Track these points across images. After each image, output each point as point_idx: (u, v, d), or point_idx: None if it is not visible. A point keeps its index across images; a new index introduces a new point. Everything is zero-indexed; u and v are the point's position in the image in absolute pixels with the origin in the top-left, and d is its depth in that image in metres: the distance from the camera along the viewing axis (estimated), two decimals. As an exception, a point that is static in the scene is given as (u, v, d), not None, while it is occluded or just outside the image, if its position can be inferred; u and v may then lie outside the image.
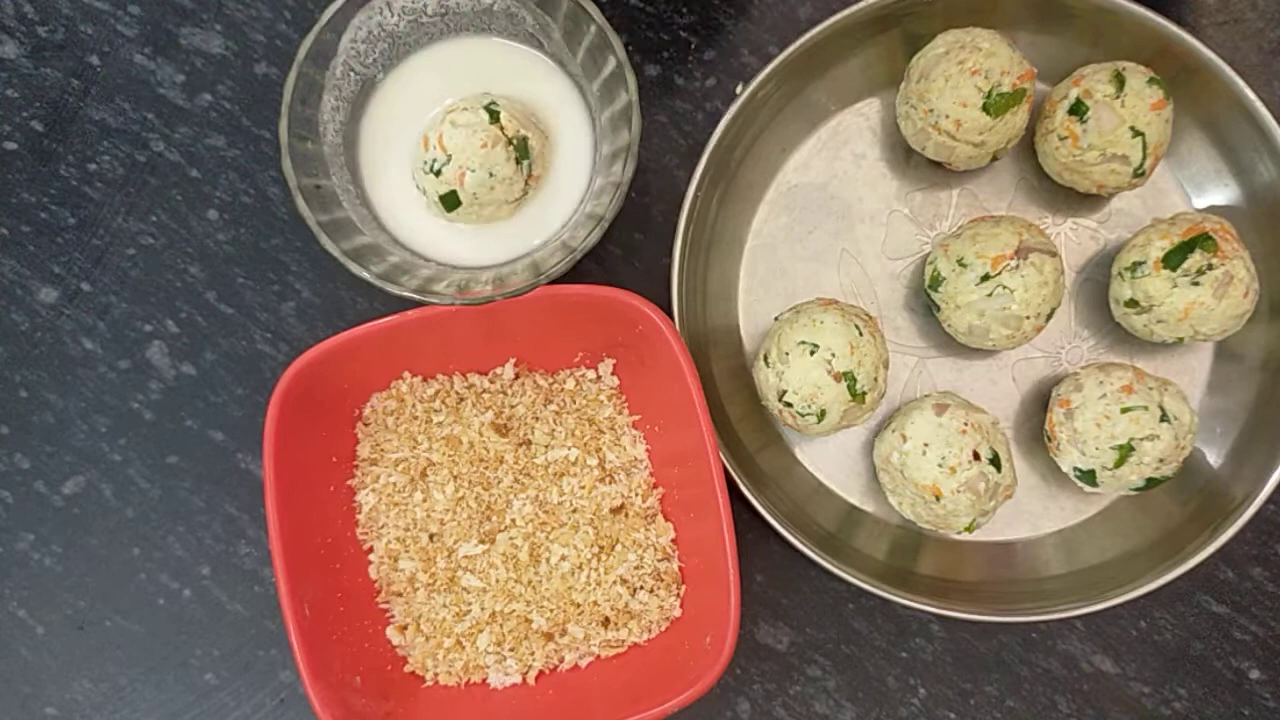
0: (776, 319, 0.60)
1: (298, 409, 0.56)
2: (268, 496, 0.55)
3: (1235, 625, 0.63)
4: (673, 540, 0.59)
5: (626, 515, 0.59)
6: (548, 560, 0.59)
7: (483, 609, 0.59)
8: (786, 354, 0.57)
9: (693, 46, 0.64)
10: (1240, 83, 0.59)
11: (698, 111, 0.64)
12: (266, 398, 0.55)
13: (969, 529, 0.57)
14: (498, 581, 0.59)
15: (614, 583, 0.58)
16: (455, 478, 0.59)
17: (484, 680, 0.59)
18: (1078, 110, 0.57)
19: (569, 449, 0.59)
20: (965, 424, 0.56)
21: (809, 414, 0.57)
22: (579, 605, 0.58)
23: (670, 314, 0.60)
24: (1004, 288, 0.56)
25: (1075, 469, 0.58)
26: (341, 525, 0.60)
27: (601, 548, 0.59)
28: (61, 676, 0.63)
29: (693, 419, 0.55)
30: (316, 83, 0.54)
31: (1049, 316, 0.58)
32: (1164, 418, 0.56)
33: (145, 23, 0.64)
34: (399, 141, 0.57)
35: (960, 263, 0.57)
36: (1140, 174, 0.58)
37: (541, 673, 0.59)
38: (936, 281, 0.59)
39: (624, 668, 0.58)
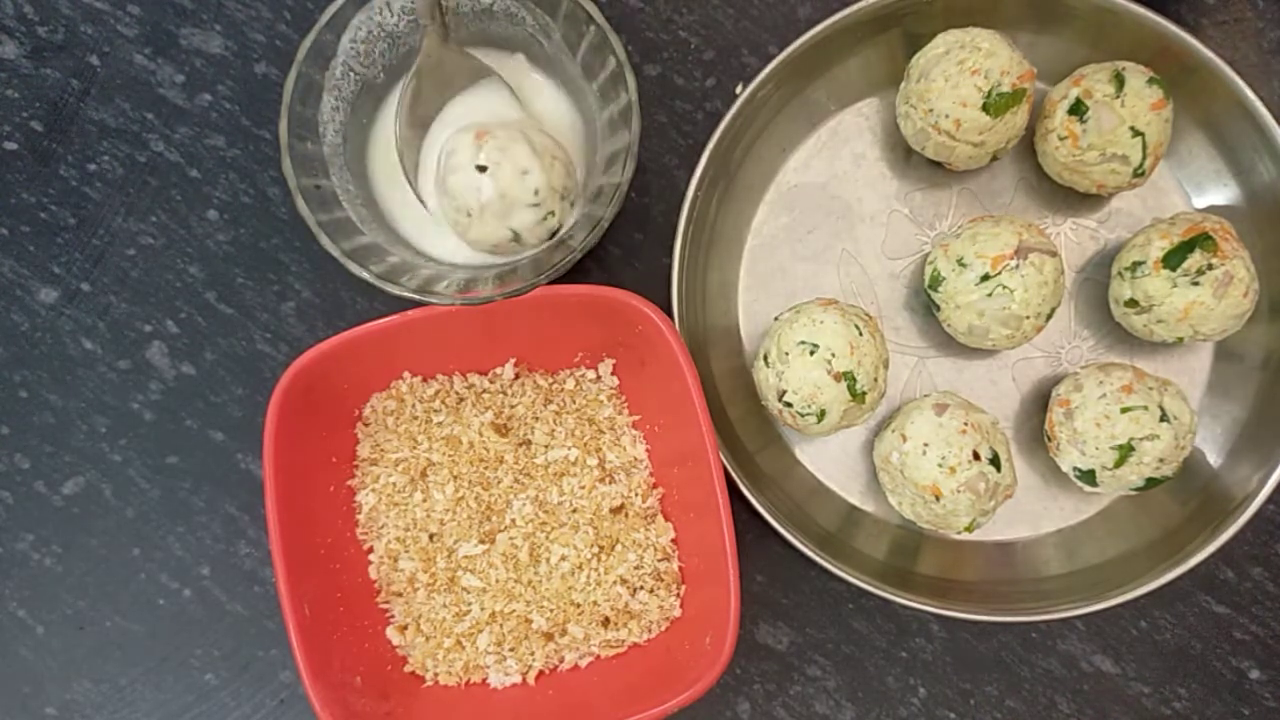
0: (776, 319, 0.60)
1: (298, 409, 0.56)
2: (268, 496, 0.55)
3: (1235, 625, 0.63)
4: (673, 540, 0.59)
5: (626, 515, 0.59)
6: (548, 560, 0.59)
7: (483, 609, 0.59)
8: (786, 354, 0.57)
9: (693, 46, 0.64)
10: (1240, 83, 0.59)
11: (698, 111, 0.64)
12: (266, 398, 0.55)
13: (969, 529, 0.57)
14: (498, 581, 0.59)
15: (614, 583, 0.58)
16: (455, 478, 0.59)
17: (484, 680, 0.59)
18: (1078, 110, 0.57)
19: (569, 449, 0.59)
20: (965, 424, 0.56)
21: (809, 414, 0.57)
22: (579, 605, 0.58)
23: (670, 314, 0.60)
24: (1004, 287, 0.56)
25: (1075, 469, 0.58)
26: (341, 525, 0.60)
27: (601, 548, 0.59)
28: (61, 676, 0.63)
29: (693, 419, 0.55)
30: (316, 83, 0.54)
31: (1049, 316, 0.58)
32: (1164, 418, 0.56)
33: (145, 23, 0.64)
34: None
35: (960, 262, 0.57)
36: (1140, 174, 0.58)
37: (541, 673, 0.59)
38: (936, 281, 0.59)
39: (624, 668, 0.58)
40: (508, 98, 0.57)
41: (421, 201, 0.57)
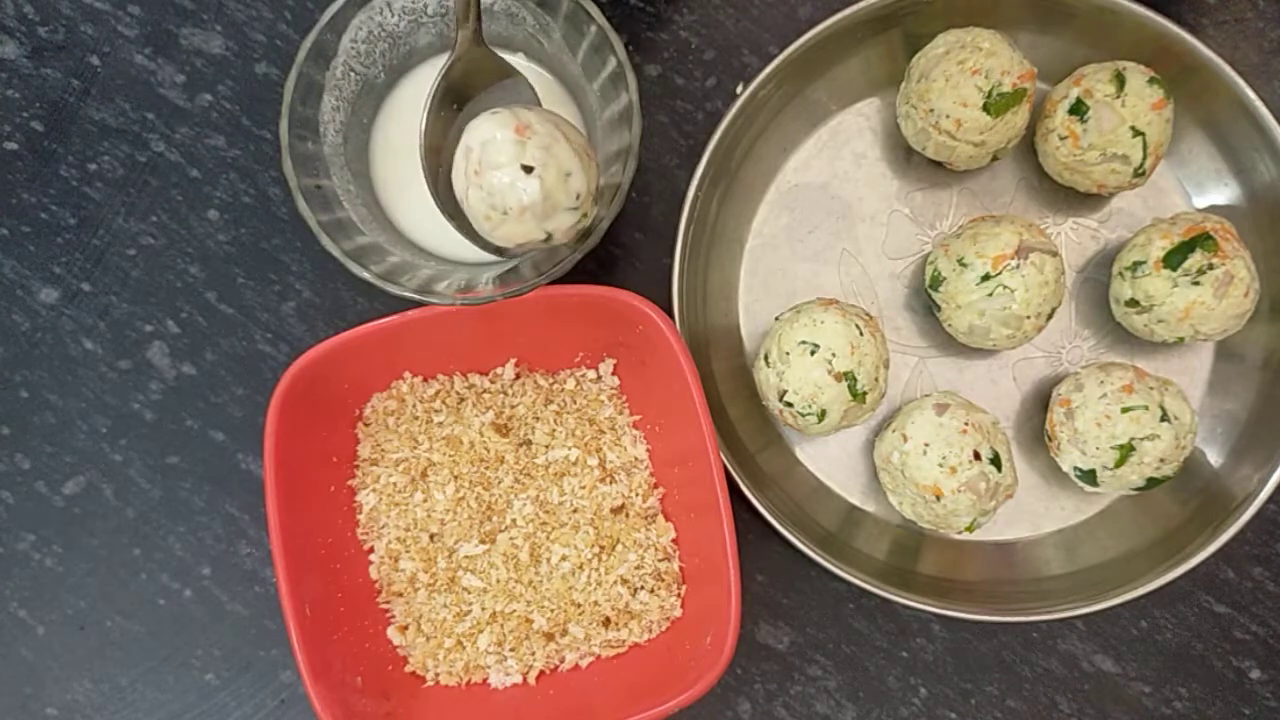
0: (777, 319, 0.60)
1: (298, 409, 0.56)
2: (268, 496, 0.55)
3: (1236, 625, 0.63)
4: (673, 540, 0.59)
5: (627, 515, 0.59)
6: (548, 560, 0.59)
7: (483, 609, 0.59)
8: (787, 354, 0.57)
9: (693, 46, 0.64)
10: (1240, 82, 0.59)
11: (698, 111, 0.64)
12: (267, 398, 0.55)
13: (970, 529, 0.57)
14: (498, 581, 0.59)
15: (614, 583, 0.58)
16: (456, 478, 0.59)
17: (485, 680, 0.59)
18: (1078, 110, 0.57)
19: (569, 449, 0.59)
20: (966, 424, 0.56)
21: (809, 414, 0.57)
22: (579, 605, 0.58)
23: (670, 314, 0.60)
24: (1004, 287, 0.56)
25: (1076, 469, 0.58)
26: (342, 525, 0.60)
27: (602, 548, 0.59)
28: (62, 677, 0.63)
29: (693, 419, 0.55)
30: (317, 83, 0.54)
31: (1049, 316, 0.58)
32: (1164, 417, 0.56)
33: (145, 23, 0.64)
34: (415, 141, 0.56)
35: (961, 262, 0.57)
36: (1140, 174, 0.58)
37: (542, 673, 0.59)
38: (937, 281, 0.59)
39: (625, 668, 0.58)
40: (529, 99, 0.56)
41: (437, 196, 0.53)
